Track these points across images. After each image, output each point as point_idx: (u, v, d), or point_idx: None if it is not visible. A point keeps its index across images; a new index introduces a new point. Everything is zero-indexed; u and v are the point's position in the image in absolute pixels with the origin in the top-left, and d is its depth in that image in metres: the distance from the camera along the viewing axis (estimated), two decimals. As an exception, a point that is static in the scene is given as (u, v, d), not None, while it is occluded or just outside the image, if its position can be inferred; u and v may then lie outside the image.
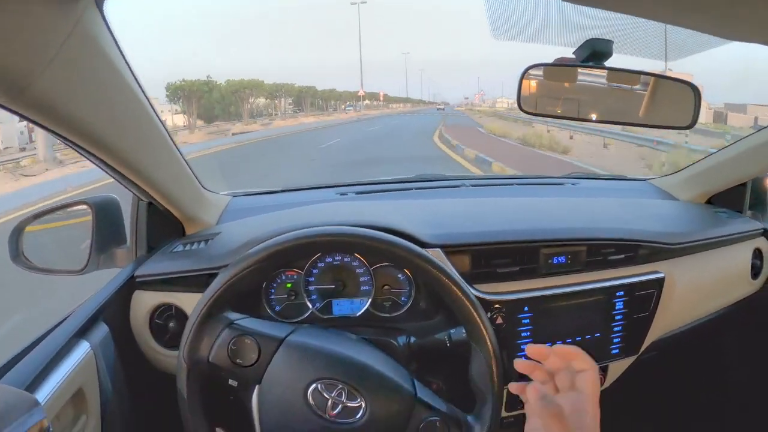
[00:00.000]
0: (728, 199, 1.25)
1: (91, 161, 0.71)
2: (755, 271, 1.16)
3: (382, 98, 75.28)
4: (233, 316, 0.68)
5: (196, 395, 0.66)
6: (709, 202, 1.28)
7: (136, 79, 0.68)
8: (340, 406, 0.63)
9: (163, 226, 0.94)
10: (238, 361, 0.64)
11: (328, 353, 0.66)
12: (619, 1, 0.59)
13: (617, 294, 0.92)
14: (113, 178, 0.78)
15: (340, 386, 0.63)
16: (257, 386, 0.65)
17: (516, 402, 0.84)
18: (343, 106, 56.40)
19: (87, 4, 0.53)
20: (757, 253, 1.17)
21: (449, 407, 0.67)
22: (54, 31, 0.50)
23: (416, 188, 1.27)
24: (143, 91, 0.71)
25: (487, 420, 0.67)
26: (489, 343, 0.66)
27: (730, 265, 1.13)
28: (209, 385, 0.68)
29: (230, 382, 0.66)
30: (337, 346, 0.67)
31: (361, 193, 1.22)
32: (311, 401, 0.63)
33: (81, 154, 0.69)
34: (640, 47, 0.79)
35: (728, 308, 1.14)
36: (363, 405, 0.63)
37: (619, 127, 8.63)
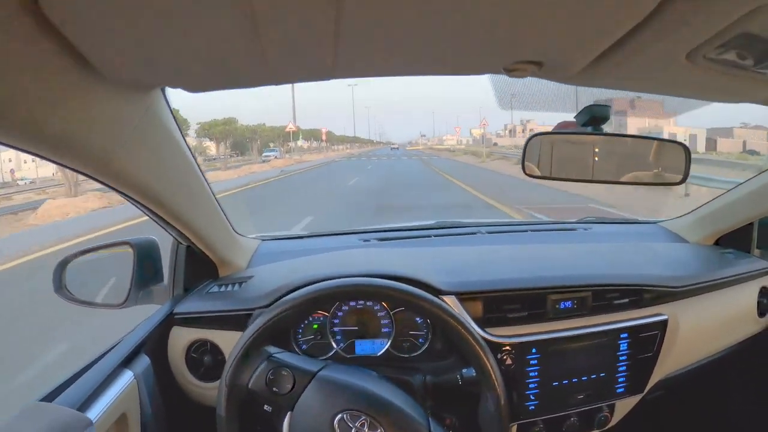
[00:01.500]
0: (737, 239, 1.27)
1: (144, 212, 0.81)
2: (761, 310, 1.18)
3: (324, 137, 57.85)
4: (272, 350, 0.76)
5: (233, 416, 0.73)
6: (718, 242, 1.31)
7: (185, 141, 0.78)
8: None
9: (199, 267, 1.02)
10: (274, 389, 0.72)
11: (354, 387, 0.73)
12: (620, 81, 0.66)
13: (621, 336, 0.96)
14: (159, 225, 0.88)
15: (363, 417, 0.70)
16: (290, 413, 0.73)
17: None
18: (264, 147, 36.88)
19: (156, 92, 0.65)
20: (764, 292, 1.18)
21: None
22: (130, 116, 0.61)
23: (435, 235, 1.32)
24: (191, 151, 0.81)
25: None
26: (496, 385, 0.72)
27: (736, 304, 1.15)
28: (245, 411, 0.75)
29: (265, 407, 0.74)
30: (363, 382, 0.75)
31: (383, 239, 1.28)
32: (337, 429, 0.70)
33: (138, 207, 0.78)
34: (638, 109, 0.86)
35: (735, 347, 1.15)
36: None
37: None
